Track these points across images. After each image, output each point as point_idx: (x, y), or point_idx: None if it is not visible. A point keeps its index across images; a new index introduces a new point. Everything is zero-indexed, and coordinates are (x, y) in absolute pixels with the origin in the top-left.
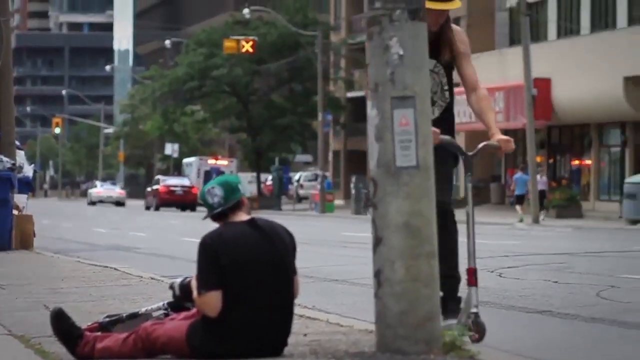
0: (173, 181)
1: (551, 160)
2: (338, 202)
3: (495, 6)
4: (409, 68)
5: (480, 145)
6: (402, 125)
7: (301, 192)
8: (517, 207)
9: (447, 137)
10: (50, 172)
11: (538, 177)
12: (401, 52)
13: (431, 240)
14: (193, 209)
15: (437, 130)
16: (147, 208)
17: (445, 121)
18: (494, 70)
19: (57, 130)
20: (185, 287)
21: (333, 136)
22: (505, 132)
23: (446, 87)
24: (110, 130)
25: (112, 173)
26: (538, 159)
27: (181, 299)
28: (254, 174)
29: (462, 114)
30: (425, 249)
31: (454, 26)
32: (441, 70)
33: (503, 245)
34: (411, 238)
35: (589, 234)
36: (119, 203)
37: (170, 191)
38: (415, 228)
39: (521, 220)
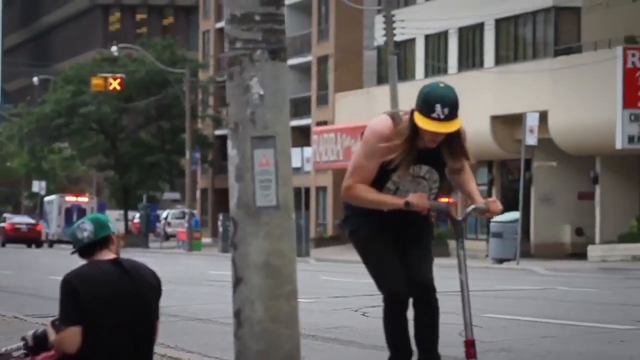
0: (18, 219)
1: None
2: (205, 240)
3: (363, 45)
4: (270, 108)
5: (468, 209)
6: (263, 165)
7: (169, 229)
8: None
9: (437, 202)
10: None
11: None
12: (262, 92)
13: (291, 279)
14: (38, 245)
15: (425, 194)
16: (3, 244)
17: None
18: (362, 108)
19: None
20: (39, 337)
21: (201, 174)
22: None
23: (436, 189)
24: None
25: None
26: None
27: (33, 350)
28: (122, 212)
29: (330, 152)
30: (285, 288)
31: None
32: (434, 176)
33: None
34: (271, 278)
35: (455, 272)
36: None
37: (15, 228)
38: (275, 268)
39: None
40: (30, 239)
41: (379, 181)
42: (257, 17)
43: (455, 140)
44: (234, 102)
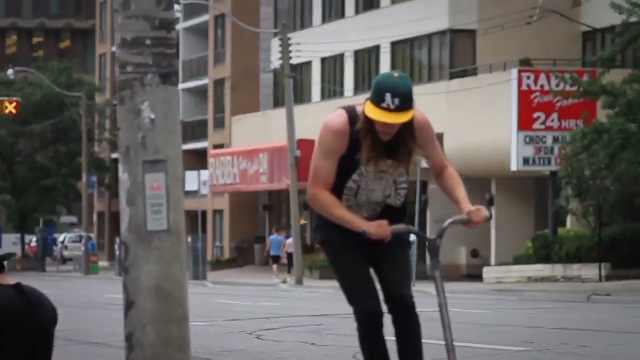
0: None
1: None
2: (102, 263)
3: (259, 68)
4: (161, 132)
5: (446, 223)
6: (154, 189)
7: (65, 253)
8: (274, 267)
9: (400, 226)
10: None
11: (289, 240)
12: (153, 116)
13: (182, 303)
14: None
15: (384, 222)
16: None
17: (390, 216)
18: (259, 131)
19: None
20: None
21: (97, 197)
22: (269, 193)
23: (403, 186)
24: None
25: None
26: (302, 220)
27: None
28: (18, 236)
29: (227, 175)
30: (176, 312)
31: (416, 117)
32: (398, 169)
33: (265, 306)
34: (162, 302)
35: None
36: None
37: None
38: (166, 292)
39: (284, 282)
40: None
41: (342, 180)
42: (148, 41)
43: (409, 133)
44: (125, 126)
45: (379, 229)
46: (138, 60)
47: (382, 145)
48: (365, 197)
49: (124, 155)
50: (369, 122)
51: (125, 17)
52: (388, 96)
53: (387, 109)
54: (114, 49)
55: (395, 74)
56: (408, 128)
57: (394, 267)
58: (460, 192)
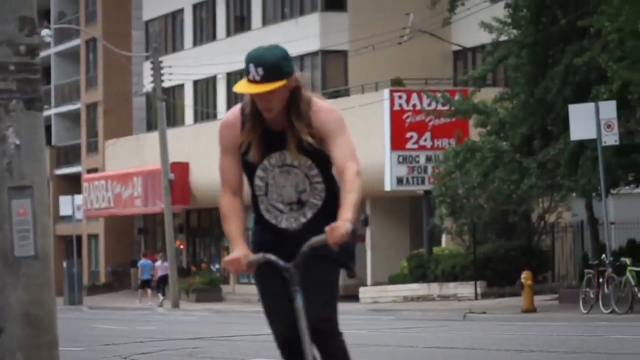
0: None
1: (190, 245)
2: None
3: (131, 91)
4: (26, 158)
5: (305, 247)
6: (20, 215)
7: None
8: (148, 292)
9: (257, 256)
10: None
11: (159, 262)
12: (18, 142)
13: (52, 329)
14: None
15: (238, 257)
16: None
17: (319, 224)
18: (132, 155)
19: None
20: None
21: None
22: (144, 217)
23: (318, 179)
24: None
25: None
26: (177, 243)
27: None
28: None
29: (101, 200)
30: (46, 338)
31: (316, 105)
32: (306, 162)
33: (140, 330)
34: (32, 328)
35: (228, 317)
36: None
37: None
38: (36, 318)
39: (161, 305)
40: None
41: (252, 179)
42: (12, 67)
43: (297, 116)
44: None
45: (230, 265)
46: (2, 86)
47: (274, 135)
48: (277, 196)
49: None
50: (252, 103)
51: None
52: (252, 67)
53: (253, 81)
54: None
55: (266, 46)
56: (295, 110)
57: (308, 288)
58: (345, 203)
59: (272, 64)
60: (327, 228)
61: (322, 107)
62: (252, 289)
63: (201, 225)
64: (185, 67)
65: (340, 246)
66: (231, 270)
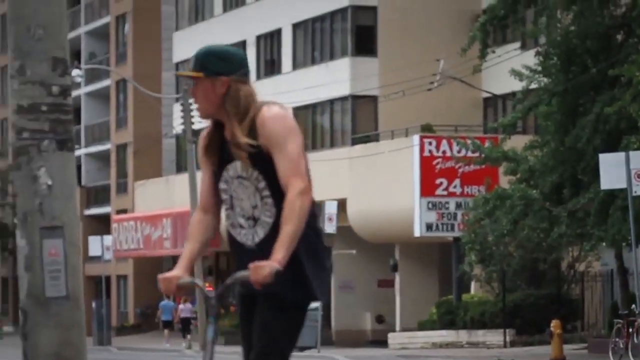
0: None
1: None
2: (7, 328)
3: (161, 133)
4: (58, 198)
5: (229, 280)
6: (52, 256)
7: None
8: (165, 332)
9: (187, 279)
10: None
11: (181, 305)
12: (49, 183)
13: None
14: None
15: (171, 276)
16: None
17: (270, 244)
18: (162, 196)
19: None
20: None
21: (0, 262)
22: (173, 258)
23: (266, 193)
24: None
25: None
26: (207, 285)
27: None
28: None
29: (130, 240)
30: None
31: (263, 112)
32: (252, 173)
33: None
34: None
35: None
36: None
37: None
38: (65, 358)
39: (189, 347)
40: None
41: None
42: (44, 108)
43: (230, 114)
44: (22, 192)
45: (161, 283)
46: (34, 126)
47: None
48: (239, 209)
49: (22, 221)
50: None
51: (21, 83)
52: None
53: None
54: None
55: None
56: (231, 116)
57: (255, 330)
58: (279, 237)
59: (199, 55)
60: (250, 265)
61: (268, 114)
62: None
63: (230, 268)
64: None
65: (289, 278)
66: (162, 288)
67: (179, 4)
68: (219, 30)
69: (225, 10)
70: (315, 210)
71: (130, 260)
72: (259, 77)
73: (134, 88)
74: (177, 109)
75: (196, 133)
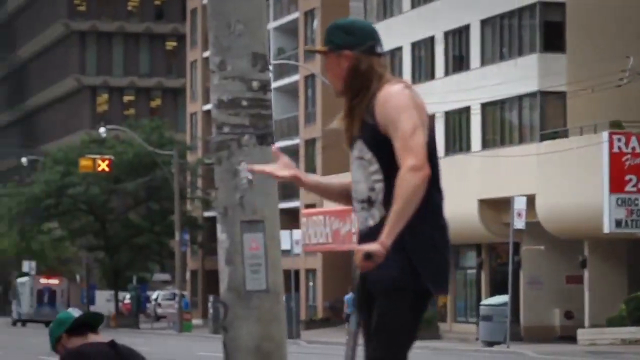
0: None
1: None
2: (196, 321)
3: None
4: (258, 192)
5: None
6: (252, 250)
7: (159, 310)
8: (346, 326)
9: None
10: None
11: None
12: (250, 177)
13: None
14: None
15: (362, 247)
16: (14, 323)
17: (380, 231)
18: None
19: None
20: None
21: (190, 255)
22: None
23: (377, 177)
24: None
25: None
26: None
27: None
28: (112, 293)
29: (319, 235)
30: None
31: (382, 92)
32: (366, 153)
33: None
34: None
35: (446, 356)
36: None
37: None
38: (265, 352)
39: None
40: None
41: None
42: (245, 103)
43: (351, 88)
44: (223, 186)
45: (355, 254)
46: (235, 121)
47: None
48: (355, 192)
49: (222, 215)
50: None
51: (222, 78)
52: None
53: None
54: (204, 107)
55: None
56: (350, 90)
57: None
58: (390, 213)
59: (327, 29)
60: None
61: (383, 94)
62: (470, 328)
63: None
64: None
65: (392, 263)
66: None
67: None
68: (407, 26)
69: (413, 6)
70: (439, 201)
71: (319, 254)
72: (447, 72)
73: (322, 83)
74: None
75: None
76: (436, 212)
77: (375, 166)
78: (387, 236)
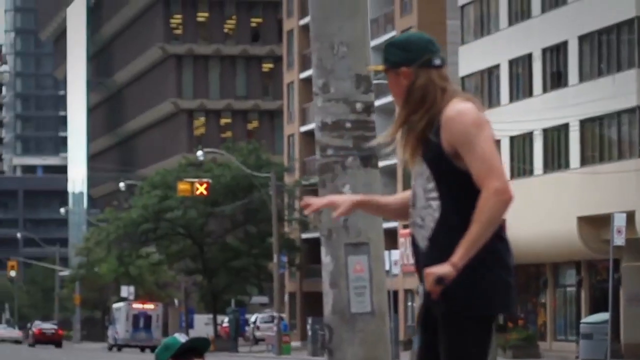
0: (45, 325)
1: None
2: (295, 343)
3: None
4: (363, 215)
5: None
6: (357, 272)
7: (258, 333)
8: None
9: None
10: (6, 315)
11: None
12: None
13: None
14: (59, 346)
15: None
16: (110, 348)
17: (438, 251)
18: None
19: (12, 273)
20: None
21: (289, 277)
22: None
23: (433, 195)
24: (65, 272)
25: (68, 316)
26: None
27: None
28: (210, 316)
29: None
30: None
31: (447, 110)
32: (425, 171)
33: None
34: None
35: None
36: (18, 342)
37: (42, 332)
38: None
39: None
40: (55, 341)
41: None
42: (348, 125)
43: (409, 104)
44: (327, 209)
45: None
46: (338, 143)
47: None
48: (413, 209)
49: (327, 238)
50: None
51: (325, 100)
52: None
53: None
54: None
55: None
56: (409, 107)
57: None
58: (465, 235)
59: (384, 48)
60: (425, 271)
61: (450, 114)
62: (570, 346)
63: (518, 282)
64: (501, 122)
65: (461, 287)
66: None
67: (464, 17)
68: (504, 44)
69: (510, 23)
70: (501, 219)
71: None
72: (545, 89)
73: None
74: None
75: None
76: (501, 230)
77: (431, 184)
78: (460, 258)
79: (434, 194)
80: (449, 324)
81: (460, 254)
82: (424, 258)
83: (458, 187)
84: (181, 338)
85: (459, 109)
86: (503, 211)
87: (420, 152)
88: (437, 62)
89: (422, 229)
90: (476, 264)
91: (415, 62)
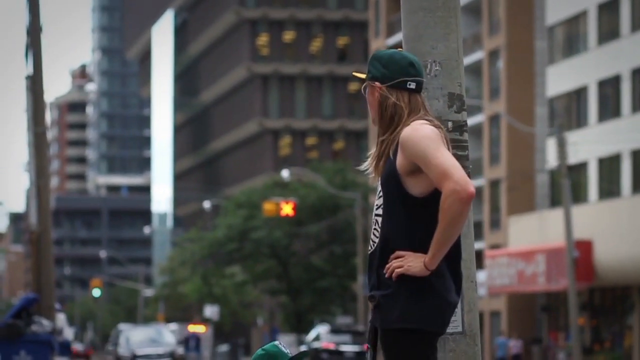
0: (77, 345)
1: (594, 323)
2: None
3: (535, 168)
4: None
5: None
6: None
7: None
8: None
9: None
10: (89, 334)
11: (512, 341)
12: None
13: None
14: None
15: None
16: None
17: (373, 265)
18: (535, 231)
19: (96, 293)
20: None
21: None
22: (547, 294)
23: (378, 212)
24: (149, 292)
25: None
26: (580, 322)
27: None
28: (295, 337)
29: (504, 276)
30: None
31: (401, 135)
32: (379, 191)
33: None
34: None
35: None
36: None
37: (77, 351)
38: None
39: None
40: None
41: None
42: None
43: (378, 120)
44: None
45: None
46: None
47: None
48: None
49: None
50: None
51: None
52: None
53: None
54: None
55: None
56: (382, 126)
57: None
58: (434, 237)
59: (370, 58)
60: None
61: (404, 135)
62: None
63: (605, 304)
64: (589, 143)
65: (385, 301)
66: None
67: (553, 38)
68: (593, 64)
69: (600, 43)
70: (466, 217)
71: (503, 296)
72: (634, 110)
73: (507, 123)
74: (550, 143)
75: (571, 168)
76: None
77: (380, 200)
78: (430, 259)
79: (380, 211)
80: (383, 337)
81: (430, 255)
82: (369, 265)
83: (402, 208)
84: (283, 348)
85: (413, 126)
86: (463, 208)
87: (380, 170)
88: (412, 86)
89: (371, 242)
90: (418, 280)
91: (388, 80)
